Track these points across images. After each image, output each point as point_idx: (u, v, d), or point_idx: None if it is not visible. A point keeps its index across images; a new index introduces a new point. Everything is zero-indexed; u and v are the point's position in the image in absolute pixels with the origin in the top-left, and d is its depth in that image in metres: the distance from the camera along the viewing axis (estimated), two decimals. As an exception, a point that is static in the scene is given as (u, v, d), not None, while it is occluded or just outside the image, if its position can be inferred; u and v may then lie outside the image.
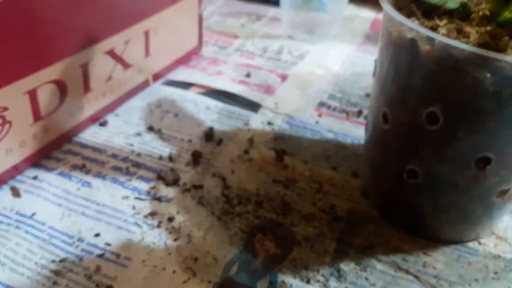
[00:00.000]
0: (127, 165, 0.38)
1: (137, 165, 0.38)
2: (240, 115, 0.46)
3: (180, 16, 0.50)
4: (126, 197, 0.35)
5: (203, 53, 0.57)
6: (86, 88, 0.40)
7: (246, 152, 0.41)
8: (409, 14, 0.32)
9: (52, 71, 0.36)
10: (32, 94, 0.35)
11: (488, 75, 0.26)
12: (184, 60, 0.53)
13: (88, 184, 0.36)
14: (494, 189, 0.31)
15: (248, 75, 0.52)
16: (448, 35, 0.28)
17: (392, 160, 0.34)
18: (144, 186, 0.37)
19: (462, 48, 0.26)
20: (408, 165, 0.32)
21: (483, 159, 0.29)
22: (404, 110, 0.31)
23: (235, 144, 0.42)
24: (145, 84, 0.48)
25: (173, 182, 0.37)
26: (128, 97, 0.46)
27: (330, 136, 0.45)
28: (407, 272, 0.32)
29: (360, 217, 0.36)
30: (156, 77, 0.49)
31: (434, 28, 0.29)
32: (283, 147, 0.42)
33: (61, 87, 0.37)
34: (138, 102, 0.46)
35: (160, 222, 0.33)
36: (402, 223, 0.35)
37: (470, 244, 0.35)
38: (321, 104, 0.49)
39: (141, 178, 0.37)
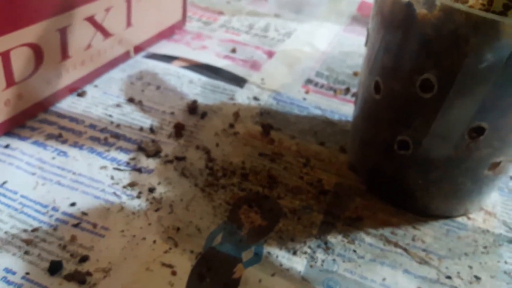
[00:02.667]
0: (105, 136, 0.36)
1: (116, 136, 0.37)
2: (224, 89, 0.45)
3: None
4: (104, 167, 0.34)
5: (187, 28, 0.55)
6: (64, 55, 0.38)
7: (231, 126, 0.40)
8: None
9: (28, 34, 0.34)
10: (5, 57, 0.32)
11: (488, 40, 0.25)
12: (166, 34, 0.51)
13: (64, 154, 0.34)
14: (486, 161, 0.30)
15: (233, 51, 0.51)
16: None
17: (383, 132, 0.33)
18: (123, 157, 0.35)
19: (463, 10, 0.25)
20: (399, 135, 0.31)
21: (477, 129, 0.28)
22: (397, 78, 0.30)
23: (220, 117, 0.40)
24: (126, 56, 0.46)
25: (154, 153, 0.35)
26: (108, 68, 0.44)
27: (317, 112, 0.44)
28: (396, 245, 0.31)
29: (348, 190, 0.35)
30: (137, 49, 0.47)
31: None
32: (270, 122, 0.41)
33: (36, 51, 0.35)
34: (118, 74, 0.44)
35: (140, 193, 0.32)
36: (390, 197, 0.34)
37: (459, 219, 0.34)
38: (309, 81, 0.48)
39: (120, 149, 0.35)
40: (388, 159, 0.33)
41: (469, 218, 0.34)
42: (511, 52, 0.25)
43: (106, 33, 0.41)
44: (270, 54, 0.52)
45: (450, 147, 0.30)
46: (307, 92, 0.46)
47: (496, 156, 0.30)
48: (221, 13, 0.60)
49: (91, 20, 0.39)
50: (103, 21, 0.40)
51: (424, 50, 0.28)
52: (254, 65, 0.49)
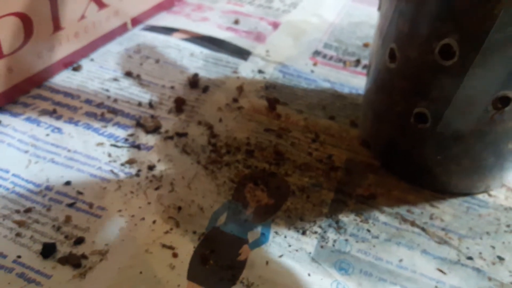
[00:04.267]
0: (102, 111, 0.34)
1: (114, 111, 0.35)
2: (228, 62, 0.42)
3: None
4: (100, 144, 0.32)
5: (188, -1, 0.52)
6: (56, 25, 0.35)
7: (235, 100, 0.38)
8: None
9: (14, 2, 0.31)
10: (-9, 27, 0.30)
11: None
12: (165, 6, 0.49)
13: (59, 130, 0.32)
14: (510, 134, 0.28)
15: (236, 22, 0.48)
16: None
17: (398, 104, 0.30)
18: (121, 133, 0.33)
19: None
20: (416, 108, 0.29)
21: (502, 99, 0.26)
22: (414, 44, 0.27)
23: (223, 92, 0.38)
24: (122, 29, 0.43)
25: (154, 129, 0.33)
26: (104, 42, 0.42)
27: (326, 85, 0.41)
28: (412, 224, 0.29)
29: (360, 167, 0.33)
30: (135, 21, 0.45)
31: None
32: (276, 96, 0.39)
33: (25, 21, 0.33)
34: (115, 47, 0.42)
35: (139, 171, 0.30)
36: (406, 173, 0.32)
37: (480, 196, 0.32)
38: (316, 53, 0.45)
39: (118, 125, 0.33)
40: (404, 134, 0.31)
41: (490, 195, 0.32)
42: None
43: (100, 3, 0.39)
44: (275, 25, 0.49)
45: (472, 119, 0.27)
46: (315, 64, 0.44)
47: (524, 127, 0.28)
48: (223, -17, 0.57)
49: (84, -12, 0.37)
50: (97, -11, 0.38)
51: (445, 12, 0.25)
52: (259, 37, 0.46)
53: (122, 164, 0.30)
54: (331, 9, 0.54)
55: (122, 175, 0.29)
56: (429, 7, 0.26)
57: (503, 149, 0.29)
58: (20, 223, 0.26)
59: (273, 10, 0.52)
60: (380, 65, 0.31)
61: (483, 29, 0.24)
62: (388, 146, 0.33)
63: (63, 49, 0.37)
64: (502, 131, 0.28)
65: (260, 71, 0.42)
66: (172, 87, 0.38)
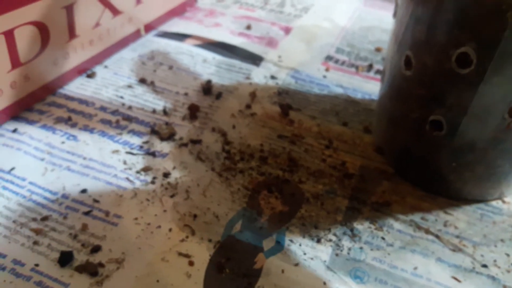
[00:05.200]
0: (117, 118, 0.35)
1: (128, 118, 0.35)
2: (240, 68, 0.42)
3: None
4: (116, 152, 0.32)
5: (199, 5, 0.52)
6: (71, 33, 0.36)
7: (248, 106, 0.38)
8: None
9: (32, 11, 0.32)
10: (9, 36, 0.31)
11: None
12: (178, 12, 0.49)
13: (74, 138, 0.33)
14: (527, 140, 0.28)
15: (248, 27, 0.48)
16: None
17: (413, 111, 0.30)
18: (136, 140, 0.33)
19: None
20: (432, 115, 0.29)
21: (518, 106, 0.26)
22: (430, 52, 0.27)
23: (236, 98, 0.38)
24: (136, 35, 0.44)
25: (169, 136, 0.33)
26: (118, 48, 0.42)
27: (339, 91, 0.41)
28: (427, 231, 0.29)
29: (374, 173, 0.33)
30: (148, 28, 0.45)
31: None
32: (288, 101, 0.39)
33: (42, 30, 0.33)
34: (129, 54, 0.42)
35: (154, 178, 0.30)
36: (420, 180, 0.32)
37: (494, 203, 0.32)
38: (329, 58, 0.46)
39: (133, 132, 0.34)
40: (418, 140, 0.31)
41: (504, 202, 0.32)
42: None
43: (114, 10, 0.39)
44: (287, 30, 0.49)
45: (488, 127, 0.27)
46: (327, 69, 0.44)
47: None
48: (234, -12, 0.57)
49: (98, -5, 0.37)
50: (111, -3, 0.38)
51: (462, 20, 0.25)
52: (271, 42, 0.47)
53: (138, 172, 0.30)
54: (343, 14, 0.54)
55: (137, 183, 0.30)
56: (446, 15, 0.26)
57: (519, 156, 0.29)
58: (37, 231, 0.26)
59: (284, 15, 0.52)
60: (395, 72, 0.31)
61: (498, 36, 0.24)
62: (402, 153, 0.33)
63: (78, 57, 0.38)
64: (519, 138, 0.28)
65: (272, 77, 0.42)
66: (186, 94, 0.38)
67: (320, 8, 0.54)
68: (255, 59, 0.44)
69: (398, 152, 0.33)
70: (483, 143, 0.28)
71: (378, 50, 0.47)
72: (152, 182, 0.30)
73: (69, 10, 0.35)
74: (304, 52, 0.46)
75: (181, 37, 0.46)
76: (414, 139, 0.31)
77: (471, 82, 0.26)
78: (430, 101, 0.29)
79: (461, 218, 0.30)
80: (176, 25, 0.48)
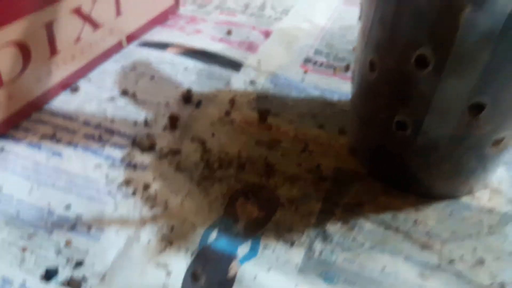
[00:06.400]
0: (100, 132, 0.36)
1: (111, 131, 0.36)
2: (220, 75, 0.44)
3: (153, -29, 0.46)
4: (99, 166, 0.33)
5: (181, 12, 0.53)
6: (53, 50, 0.37)
7: (228, 113, 0.39)
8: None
9: (12, 31, 0.33)
10: (-10, 59, 0.32)
11: (481, 8, 0.23)
12: (160, 20, 0.50)
13: (59, 154, 0.34)
14: (489, 138, 0.29)
15: (229, 33, 0.50)
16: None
17: (380, 112, 0.31)
18: (118, 153, 0.34)
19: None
20: (397, 116, 0.30)
21: (477, 105, 0.27)
22: (392, 55, 0.29)
23: (216, 105, 0.40)
24: (118, 46, 0.45)
25: (149, 147, 0.35)
26: (100, 61, 0.43)
27: (316, 93, 0.42)
28: (397, 230, 0.30)
29: (347, 175, 0.34)
30: (130, 38, 0.46)
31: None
32: (267, 107, 0.40)
33: (23, 49, 0.34)
34: (112, 66, 0.43)
35: (135, 190, 0.31)
36: (392, 180, 0.33)
37: (464, 199, 0.33)
38: (307, 60, 0.47)
39: (115, 145, 0.35)
40: (387, 141, 0.32)
41: (474, 198, 0.33)
42: (505, 19, 0.23)
43: (95, 24, 0.41)
44: (267, 34, 0.50)
45: (450, 125, 0.28)
46: (305, 72, 0.45)
47: (499, 132, 0.29)
48: (216, -8, 0.58)
49: (78, 11, 0.38)
50: (91, 11, 0.39)
51: (418, 23, 0.26)
52: (251, 47, 0.48)
53: (119, 185, 0.32)
54: (323, 13, 0.54)
55: (119, 196, 0.31)
56: (404, 19, 0.27)
57: (483, 152, 0.30)
58: (25, 249, 0.27)
59: (265, 18, 0.53)
60: (363, 73, 0.32)
61: (452, 38, 0.25)
62: (373, 153, 0.34)
63: (61, 72, 0.39)
64: (480, 135, 0.29)
65: (252, 82, 0.43)
66: (167, 104, 0.39)
67: (300, 9, 0.55)
68: (235, 65, 0.45)
69: (370, 153, 0.34)
70: (447, 141, 0.29)
71: (355, 49, 0.48)
72: (133, 194, 0.31)
73: (49, 27, 0.36)
74: (283, 55, 0.47)
75: (163, 46, 0.47)
76: (383, 139, 0.32)
77: (430, 83, 0.27)
78: (395, 102, 0.30)
79: (431, 216, 0.32)
80: (158, 34, 0.49)
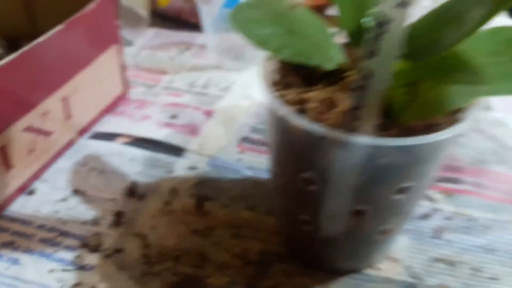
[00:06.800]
0: (53, 235, 0.41)
1: (63, 234, 0.41)
2: (164, 163, 0.48)
3: (100, 72, 0.51)
4: (52, 271, 0.38)
5: (131, 95, 0.58)
6: (7, 166, 0.42)
7: (168, 203, 0.44)
8: (291, 82, 0.34)
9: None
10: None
11: (348, 149, 0.29)
12: (110, 108, 0.55)
13: (17, 261, 0.39)
14: (375, 230, 0.34)
15: (174, 117, 0.55)
16: (316, 109, 0.31)
17: (288, 210, 0.37)
18: (70, 255, 0.39)
19: (315, 131, 0.29)
20: (300, 215, 0.35)
21: (358, 211, 0.32)
22: (287, 173, 0.34)
23: (158, 196, 0.45)
24: (70, 143, 0.50)
25: (96, 248, 0.40)
26: (54, 160, 0.48)
27: (249, 173, 0.47)
28: (306, 310, 0.35)
29: (270, 257, 0.39)
30: (81, 132, 0.51)
31: (305, 101, 0.32)
32: (205, 192, 0.45)
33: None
34: (65, 163, 0.48)
35: (83, 292, 0.36)
36: (305, 260, 0.38)
37: (367, 271, 0.38)
38: (244, 139, 0.52)
39: (67, 247, 0.40)
40: (296, 231, 0.37)
41: (374, 269, 0.38)
42: (366, 156, 0.29)
43: (47, 133, 0.46)
44: (209, 114, 0.55)
45: (340, 225, 0.34)
46: (241, 151, 0.50)
47: (384, 225, 0.34)
48: (164, 72, 0.63)
49: (29, 129, 0.43)
50: (42, 125, 0.44)
51: (301, 154, 0.32)
52: (193, 130, 0.53)
53: (70, 288, 0.37)
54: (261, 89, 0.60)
55: (69, 299, 0.36)
56: (291, 149, 0.32)
57: (373, 240, 0.35)
58: None
59: (208, 97, 0.59)
60: (272, 176, 0.37)
61: (327, 168, 0.30)
62: (288, 236, 0.39)
63: (17, 180, 0.44)
64: (367, 229, 0.34)
65: (192, 168, 0.48)
66: (113, 199, 0.44)
67: (240, 85, 0.60)
68: (178, 151, 0.50)
69: (286, 235, 0.39)
70: (341, 235, 0.35)
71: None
72: (82, 297, 0.36)
73: (3, 150, 0.41)
74: (223, 136, 0.52)
75: (112, 136, 0.52)
76: (293, 229, 0.37)
77: (317, 196, 0.32)
78: (297, 205, 0.35)
79: (338, 291, 0.37)
80: (108, 123, 0.54)
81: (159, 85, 0.61)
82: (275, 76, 0.35)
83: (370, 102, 0.26)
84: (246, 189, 0.46)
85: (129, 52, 0.68)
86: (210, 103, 0.57)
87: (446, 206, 0.44)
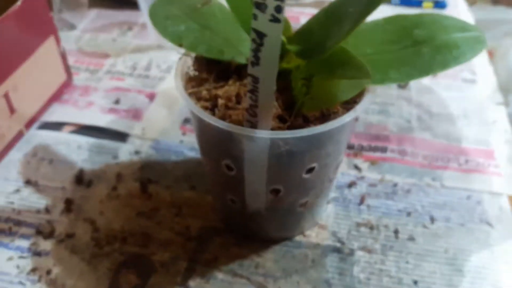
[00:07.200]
0: (9, 226, 0.44)
1: (19, 223, 0.45)
2: (109, 148, 0.52)
3: (39, 64, 0.53)
4: (10, 258, 0.42)
5: (75, 82, 0.60)
6: (-44, 164, 0.44)
7: (115, 188, 0.48)
8: (205, 78, 0.38)
9: None
10: None
11: (255, 140, 0.33)
12: (55, 97, 0.57)
13: (-24, 252, 0.42)
14: (295, 203, 0.39)
15: (117, 102, 0.57)
16: (224, 105, 0.35)
17: (218, 191, 0.41)
18: (26, 243, 0.43)
19: (221, 127, 0.32)
20: (228, 195, 0.40)
21: (274, 190, 0.37)
22: (212, 160, 0.38)
23: (104, 182, 0.48)
24: (19, 135, 0.52)
25: (50, 234, 0.43)
26: (5, 152, 0.50)
27: (192, 154, 0.51)
28: (241, 276, 0.41)
29: (209, 232, 0.44)
30: (29, 124, 0.53)
31: (217, 97, 0.36)
32: (149, 175, 0.49)
33: None
34: (16, 155, 0.51)
35: (40, 277, 0.40)
36: (240, 232, 0.43)
37: (297, 238, 0.44)
38: (186, 121, 0.55)
39: (23, 236, 0.43)
40: (228, 208, 0.42)
41: (304, 235, 0.44)
42: (269, 146, 0.33)
43: (-8, 129, 0.48)
44: (151, 97, 0.58)
45: (262, 201, 0.38)
46: (184, 133, 0.54)
47: (301, 200, 0.39)
48: (107, 55, 0.65)
49: (-27, 127, 0.45)
50: (-15, 122, 0.47)
51: (218, 146, 0.36)
52: (136, 114, 0.56)
53: (28, 273, 0.41)
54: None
55: (28, 284, 0.40)
56: (212, 139, 0.36)
57: (296, 212, 0.40)
58: None
59: (150, 79, 0.61)
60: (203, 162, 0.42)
61: (241, 155, 0.35)
62: (223, 212, 0.44)
63: (-31, 175, 0.46)
64: (287, 203, 0.39)
65: (136, 152, 0.52)
66: (63, 188, 0.48)
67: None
68: (122, 136, 0.53)
69: (221, 212, 0.44)
70: (266, 210, 0.39)
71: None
72: (39, 281, 0.40)
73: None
74: (165, 118, 0.56)
75: (59, 126, 0.54)
76: (226, 207, 0.42)
77: (238, 179, 0.37)
78: (224, 187, 0.40)
79: (269, 258, 0.42)
80: (55, 112, 0.56)
81: (102, 69, 0.63)
82: (192, 71, 0.38)
83: (262, 102, 0.30)
84: (189, 170, 0.50)
85: (72, 36, 0.69)
86: (152, 86, 0.60)
87: (371, 174, 0.50)
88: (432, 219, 0.45)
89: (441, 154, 0.52)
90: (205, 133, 0.36)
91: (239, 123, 0.33)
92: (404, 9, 0.75)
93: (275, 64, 0.29)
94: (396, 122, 0.56)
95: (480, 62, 0.66)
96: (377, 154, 0.52)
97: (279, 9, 0.27)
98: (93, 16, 0.73)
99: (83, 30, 0.70)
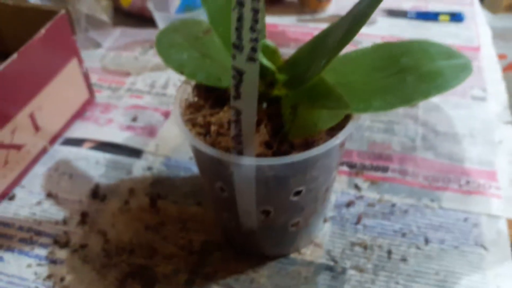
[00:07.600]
0: (30, 235, 0.49)
1: (39, 233, 0.49)
2: (124, 164, 0.56)
3: (63, 85, 0.58)
4: (29, 265, 0.46)
5: (98, 99, 0.65)
6: (-14, 178, 0.49)
7: (127, 203, 0.51)
8: (202, 104, 0.41)
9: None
10: None
11: (242, 167, 0.35)
12: (78, 115, 0.62)
13: (1, 259, 0.47)
14: (287, 224, 0.41)
15: (134, 119, 0.61)
16: (215, 132, 0.37)
17: (215, 208, 0.44)
18: (44, 252, 0.47)
19: (210, 153, 0.35)
20: (224, 214, 0.43)
21: (265, 210, 0.40)
22: (206, 181, 0.41)
23: (117, 196, 0.52)
24: (43, 151, 0.57)
25: (65, 244, 0.47)
26: (31, 166, 0.55)
27: (199, 170, 0.55)
28: (229, 291, 0.43)
29: (211, 247, 0.47)
30: (53, 139, 0.58)
31: (210, 123, 0.38)
32: (159, 191, 0.52)
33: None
34: (40, 169, 0.56)
35: (54, 283, 0.44)
36: (239, 247, 0.46)
37: (292, 255, 0.46)
38: (196, 137, 0.58)
39: (42, 245, 0.48)
40: (227, 225, 0.45)
41: (299, 253, 0.46)
42: (255, 171, 0.35)
43: (18, 147, 0.53)
44: (166, 115, 0.62)
45: (254, 221, 0.41)
46: (193, 150, 0.57)
47: (292, 220, 0.41)
48: (128, 73, 0.69)
49: (1, 146, 0.50)
50: (12, 140, 0.51)
51: (211, 169, 0.39)
52: (151, 131, 0.60)
53: (44, 279, 0.45)
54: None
55: (43, 290, 0.44)
56: (205, 164, 0.39)
57: (288, 231, 0.42)
58: None
59: (166, 97, 0.65)
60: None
61: (231, 179, 0.37)
62: (224, 228, 0.47)
63: (-2, 188, 0.51)
64: (279, 223, 0.41)
65: (149, 168, 0.55)
66: (80, 201, 0.52)
67: (195, 84, 0.66)
68: (136, 153, 0.57)
69: (221, 228, 0.47)
70: (259, 229, 0.42)
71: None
72: (53, 287, 0.44)
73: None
74: (177, 136, 0.59)
75: (79, 142, 0.59)
76: (224, 224, 0.45)
77: (231, 200, 0.39)
78: (221, 207, 0.42)
79: (264, 274, 0.44)
80: (77, 129, 0.60)
81: (123, 87, 0.67)
82: (192, 98, 0.41)
83: (245, 131, 0.32)
84: (195, 186, 0.53)
85: (97, 54, 0.74)
86: (168, 104, 0.64)
87: (370, 194, 0.51)
88: (427, 241, 0.46)
89: (443, 174, 0.53)
90: (199, 157, 0.39)
91: (228, 149, 0.36)
92: (420, 23, 0.75)
93: (254, 98, 0.31)
94: (400, 141, 0.57)
95: (492, 79, 0.66)
96: (378, 174, 0.53)
97: (254, 50, 0.29)
98: (117, 34, 0.78)
99: (107, 48, 0.75)
